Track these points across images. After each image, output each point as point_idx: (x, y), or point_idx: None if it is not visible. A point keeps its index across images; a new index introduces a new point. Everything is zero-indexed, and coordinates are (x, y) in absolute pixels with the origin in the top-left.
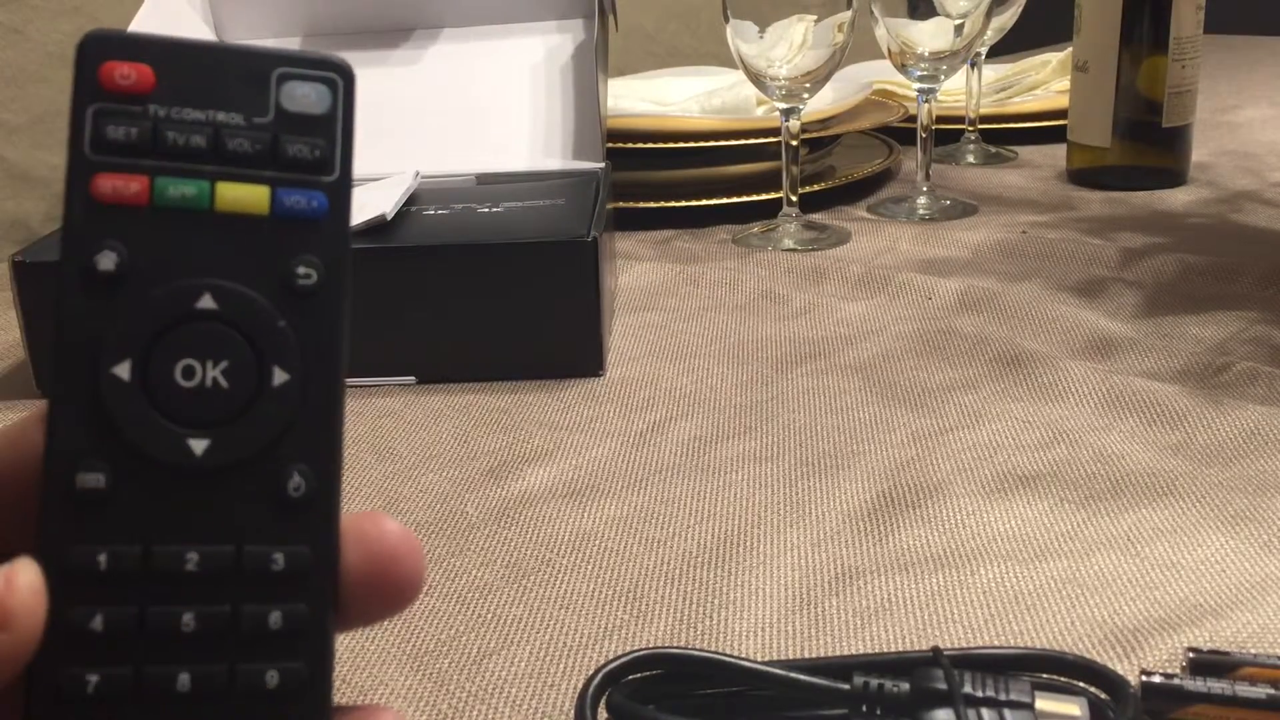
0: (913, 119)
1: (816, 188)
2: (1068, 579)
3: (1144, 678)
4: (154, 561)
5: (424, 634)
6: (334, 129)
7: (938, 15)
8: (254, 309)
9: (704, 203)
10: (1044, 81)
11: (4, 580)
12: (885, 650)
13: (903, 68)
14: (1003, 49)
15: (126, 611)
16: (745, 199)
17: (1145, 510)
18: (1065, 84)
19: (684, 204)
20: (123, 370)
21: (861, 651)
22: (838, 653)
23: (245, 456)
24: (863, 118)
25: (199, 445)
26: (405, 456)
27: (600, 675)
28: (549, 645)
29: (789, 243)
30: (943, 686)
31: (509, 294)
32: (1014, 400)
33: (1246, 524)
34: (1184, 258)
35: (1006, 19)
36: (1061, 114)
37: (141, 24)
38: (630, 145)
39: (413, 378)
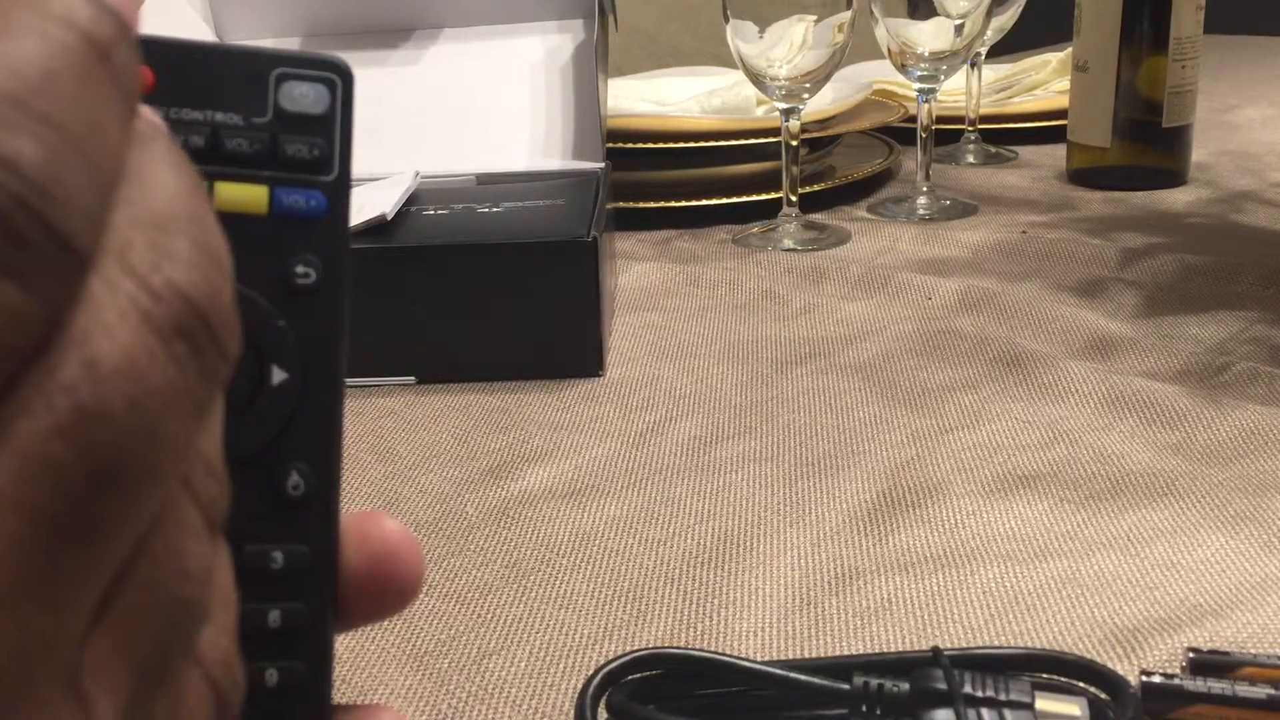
0: (913, 119)
1: (816, 188)
2: (1068, 579)
3: (1144, 678)
4: None
5: (424, 634)
6: (332, 129)
7: (938, 15)
8: (253, 308)
9: (704, 203)
10: (1044, 81)
11: None
12: (885, 650)
13: (903, 68)
14: (1003, 49)
15: None
16: (745, 199)
17: (1145, 510)
18: (1065, 84)
19: (684, 204)
20: None
21: (861, 651)
22: (838, 653)
23: (244, 455)
24: (863, 118)
25: None
26: (405, 456)
27: (600, 675)
28: (549, 645)
29: (789, 243)
30: (943, 686)
31: (509, 294)
32: (1014, 400)
33: (1246, 524)
34: (1184, 258)
35: (1006, 19)
36: (1061, 114)
37: (142, 24)
38: (630, 145)
39: (413, 378)
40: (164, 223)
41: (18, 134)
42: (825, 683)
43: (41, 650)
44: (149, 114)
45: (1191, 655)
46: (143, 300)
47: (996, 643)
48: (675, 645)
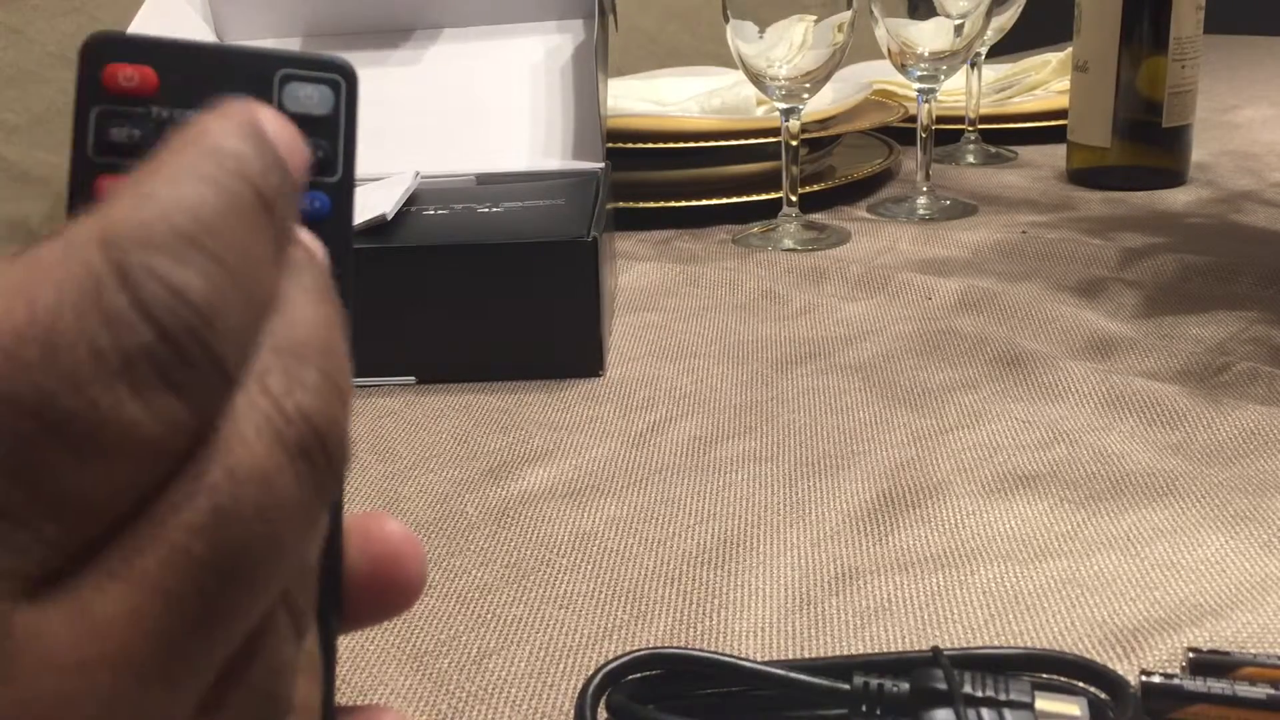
0: (913, 119)
1: (816, 188)
2: (1068, 579)
3: (1144, 678)
4: None
5: (424, 634)
6: (336, 130)
7: (938, 15)
8: None
9: (704, 203)
10: (1044, 81)
11: None
12: (885, 650)
13: (903, 68)
14: (1003, 49)
15: None
16: (745, 199)
17: (1145, 510)
18: (1065, 84)
19: (684, 204)
20: None
21: (861, 651)
22: (838, 653)
23: None
24: (863, 118)
25: None
26: (405, 456)
27: (600, 675)
28: (549, 645)
29: (789, 243)
30: (943, 686)
31: (509, 294)
32: (1014, 400)
33: (1246, 524)
34: (1184, 258)
35: (1006, 19)
36: (1061, 114)
37: (142, 24)
38: (630, 145)
39: (413, 378)
40: (301, 352)
41: (189, 269)
42: (825, 683)
43: None
44: (311, 242)
45: (1191, 655)
46: (276, 420)
47: (996, 643)
48: (675, 645)
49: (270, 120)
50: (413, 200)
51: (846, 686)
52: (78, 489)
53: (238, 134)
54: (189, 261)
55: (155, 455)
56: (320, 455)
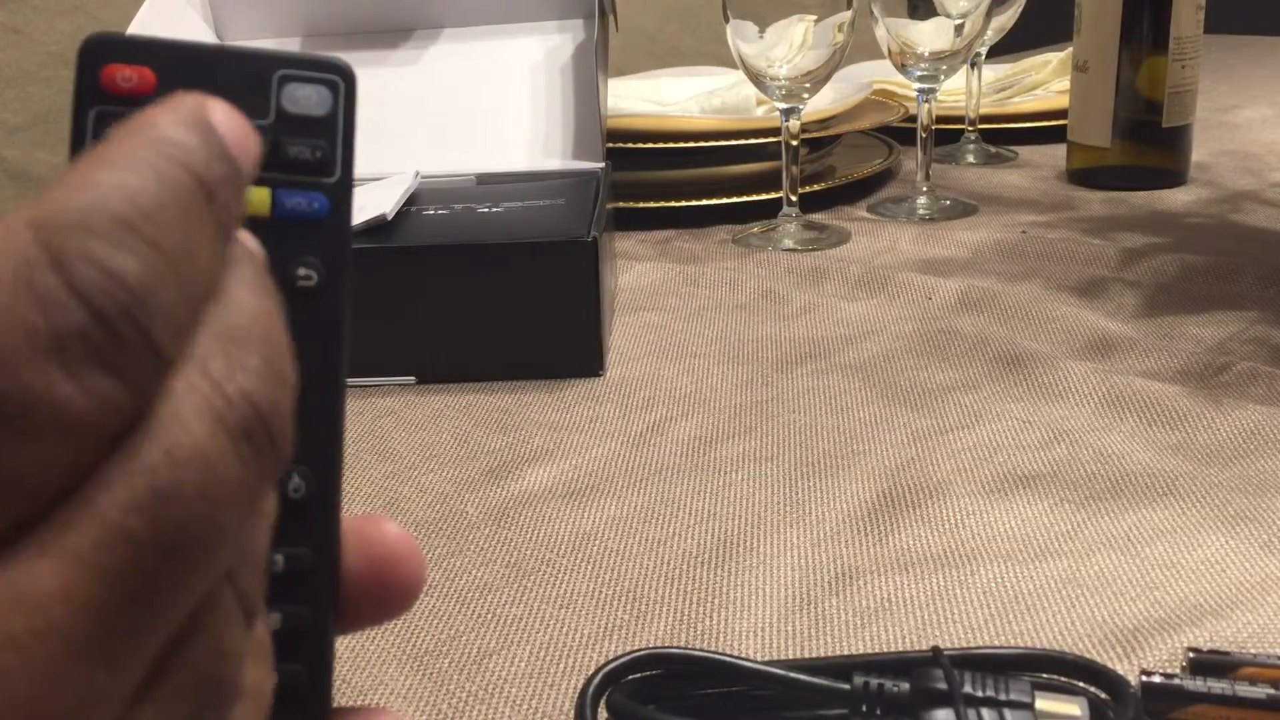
0: (913, 119)
1: (816, 188)
2: (1068, 579)
3: (1144, 678)
4: None
5: (424, 634)
6: (335, 131)
7: (938, 15)
8: None
9: (704, 203)
10: (1044, 81)
11: None
12: (885, 650)
13: (903, 68)
14: (1003, 49)
15: None
16: (745, 199)
17: (1145, 510)
18: (1065, 84)
19: (684, 204)
20: None
21: (861, 651)
22: (838, 653)
23: None
24: (863, 118)
25: None
26: (405, 456)
27: (600, 675)
28: (549, 645)
29: (789, 243)
30: (943, 686)
31: (509, 294)
32: (1014, 400)
33: (1246, 524)
34: (1184, 258)
35: (1006, 19)
36: (1061, 114)
37: (141, 24)
38: (630, 145)
39: (413, 378)
40: (241, 338)
41: (125, 252)
42: (825, 683)
43: (97, 704)
44: (249, 240)
45: (1191, 655)
46: (217, 402)
47: (996, 643)
48: (675, 645)
49: (219, 113)
50: (413, 200)
51: (846, 686)
52: (9, 468)
53: (184, 124)
54: (124, 246)
55: (90, 435)
56: (263, 438)
